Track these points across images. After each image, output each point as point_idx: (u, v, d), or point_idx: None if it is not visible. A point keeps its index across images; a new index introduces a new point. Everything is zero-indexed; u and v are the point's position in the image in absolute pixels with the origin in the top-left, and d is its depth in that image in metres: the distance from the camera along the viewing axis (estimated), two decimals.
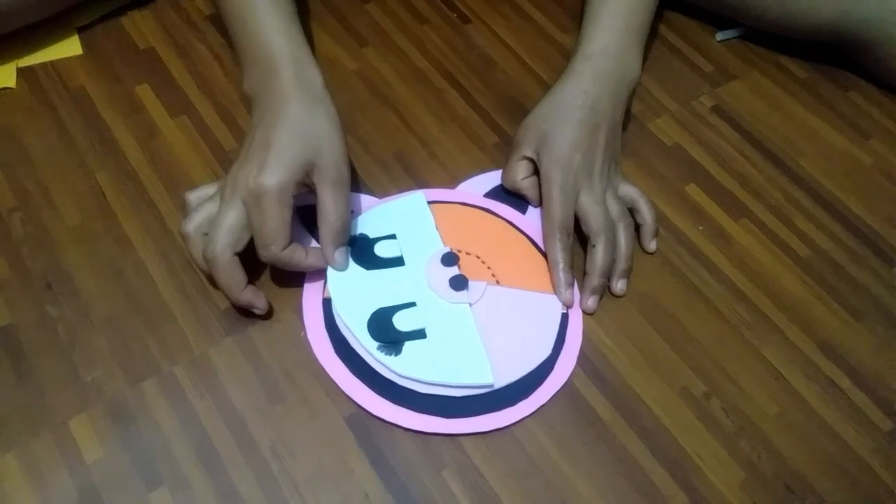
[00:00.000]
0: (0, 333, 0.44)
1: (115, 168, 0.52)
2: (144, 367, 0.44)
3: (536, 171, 0.51)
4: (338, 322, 0.46)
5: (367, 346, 0.45)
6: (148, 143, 0.54)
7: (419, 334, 0.45)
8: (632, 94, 0.55)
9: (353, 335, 0.45)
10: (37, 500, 0.39)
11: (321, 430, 0.43)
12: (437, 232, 0.50)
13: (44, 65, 0.58)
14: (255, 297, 0.44)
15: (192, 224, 0.44)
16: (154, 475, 0.40)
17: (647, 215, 0.51)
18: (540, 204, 0.52)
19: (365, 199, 0.52)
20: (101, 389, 0.43)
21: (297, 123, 0.44)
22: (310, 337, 0.46)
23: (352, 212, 0.49)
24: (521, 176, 0.52)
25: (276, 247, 0.43)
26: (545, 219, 0.49)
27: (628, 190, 0.52)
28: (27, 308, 0.45)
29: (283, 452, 0.42)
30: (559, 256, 0.48)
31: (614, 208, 0.50)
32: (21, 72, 0.57)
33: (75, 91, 0.56)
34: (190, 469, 0.41)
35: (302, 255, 0.44)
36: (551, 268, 0.49)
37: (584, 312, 0.48)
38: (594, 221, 0.48)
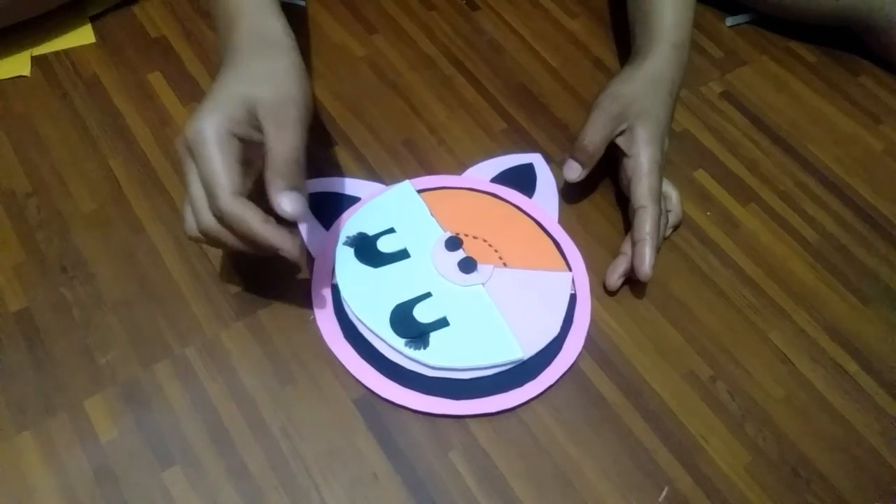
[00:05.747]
0: (16, 316, 0.45)
1: (128, 155, 0.53)
2: (157, 350, 0.45)
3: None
4: (360, 328, 0.46)
5: (394, 345, 0.45)
6: (160, 130, 0.54)
7: (442, 323, 0.46)
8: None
9: (379, 336, 0.45)
10: (53, 477, 0.40)
11: (330, 412, 0.43)
12: (433, 218, 0.50)
13: (57, 53, 0.58)
14: (278, 236, 0.39)
15: (187, 226, 0.41)
16: (167, 455, 0.41)
17: (675, 206, 0.52)
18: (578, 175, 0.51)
19: (372, 187, 0.52)
20: (115, 371, 0.44)
21: (241, 67, 0.41)
22: (319, 321, 0.46)
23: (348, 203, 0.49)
24: (604, 140, 0.50)
25: (222, 198, 0.37)
26: (636, 190, 0.48)
27: (665, 184, 0.52)
28: (42, 291, 0.46)
29: (293, 433, 0.42)
30: (647, 228, 0.47)
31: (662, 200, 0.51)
32: (35, 60, 0.58)
33: (88, 79, 0.57)
34: (202, 449, 0.41)
35: (254, 215, 0.38)
36: (636, 241, 0.47)
37: (608, 289, 0.49)
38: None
